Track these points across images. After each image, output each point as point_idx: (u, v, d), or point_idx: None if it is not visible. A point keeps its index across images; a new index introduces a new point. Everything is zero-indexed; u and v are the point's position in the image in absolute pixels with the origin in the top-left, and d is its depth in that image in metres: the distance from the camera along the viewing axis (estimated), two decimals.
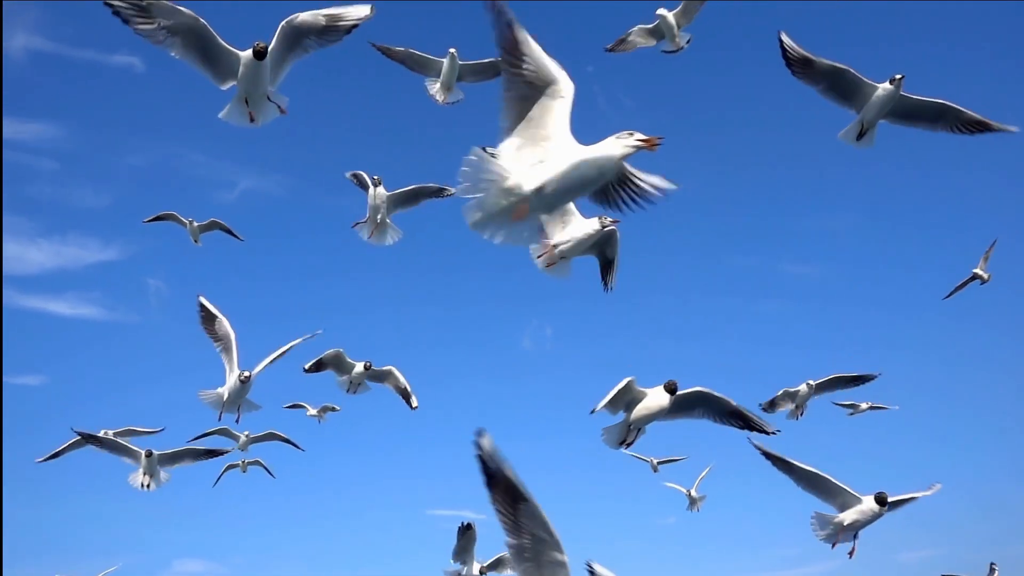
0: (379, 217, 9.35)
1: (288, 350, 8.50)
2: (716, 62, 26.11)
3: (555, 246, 7.05)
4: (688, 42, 9.55)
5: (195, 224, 13.29)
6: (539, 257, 7.02)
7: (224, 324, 8.33)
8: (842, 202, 24.34)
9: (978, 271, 11.98)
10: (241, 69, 6.13)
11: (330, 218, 24.62)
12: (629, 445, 7.31)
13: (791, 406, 10.94)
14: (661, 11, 9.43)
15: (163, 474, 9.66)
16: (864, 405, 13.65)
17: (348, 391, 11.04)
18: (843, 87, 7.33)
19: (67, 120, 23.47)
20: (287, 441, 13.48)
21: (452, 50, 9.20)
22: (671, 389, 6.88)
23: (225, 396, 8.18)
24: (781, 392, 10.82)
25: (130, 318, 22.59)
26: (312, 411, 14.57)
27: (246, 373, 8.10)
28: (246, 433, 12.70)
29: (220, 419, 8.45)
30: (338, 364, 10.75)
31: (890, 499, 7.68)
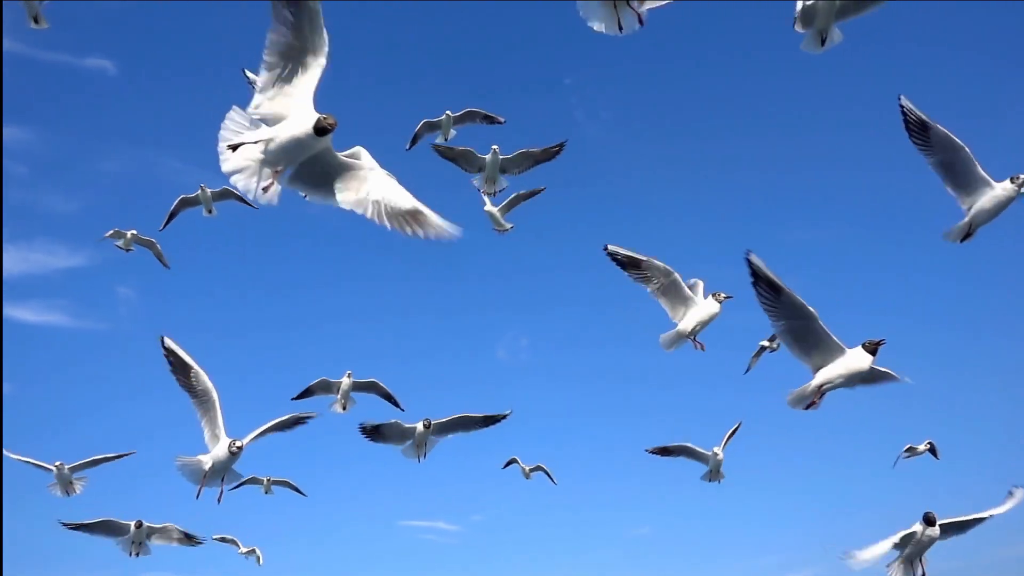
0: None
1: (281, 424, 7.60)
2: (695, 74, 25.58)
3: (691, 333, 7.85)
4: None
5: (208, 191, 11.96)
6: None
7: (202, 377, 6.96)
8: (825, 213, 23.70)
9: (765, 343, 12.73)
10: None
11: (307, 227, 24.21)
12: (814, 407, 6.65)
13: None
14: (488, 208, 10.86)
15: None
16: (922, 447, 13.01)
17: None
18: (956, 168, 6.92)
19: (37, 124, 21.91)
20: (388, 397, 11.99)
21: (494, 147, 10.12)
22: (872, 350, 6.32)
23: (209, 466, 6.94)
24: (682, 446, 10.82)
25: (98, 326, 21.47)
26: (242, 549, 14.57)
27: (238, 443, 6.85)
28: (348, 373, 11.60)
29: (199, 496, 7.15)
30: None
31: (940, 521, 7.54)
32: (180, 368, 7.00)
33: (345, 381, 11.41)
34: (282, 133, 4.36)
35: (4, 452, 10.43)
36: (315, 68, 4.32)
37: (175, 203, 12.21)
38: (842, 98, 23.74)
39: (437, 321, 22.95)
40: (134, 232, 12.90)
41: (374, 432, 10.10)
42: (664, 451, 10.80)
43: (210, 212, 12.11)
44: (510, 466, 14.59)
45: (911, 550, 7.52)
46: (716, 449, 11.01)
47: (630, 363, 22.61)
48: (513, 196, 11.11)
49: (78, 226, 21.42)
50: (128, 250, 12.97)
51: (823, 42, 7.50)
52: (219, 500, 7.22)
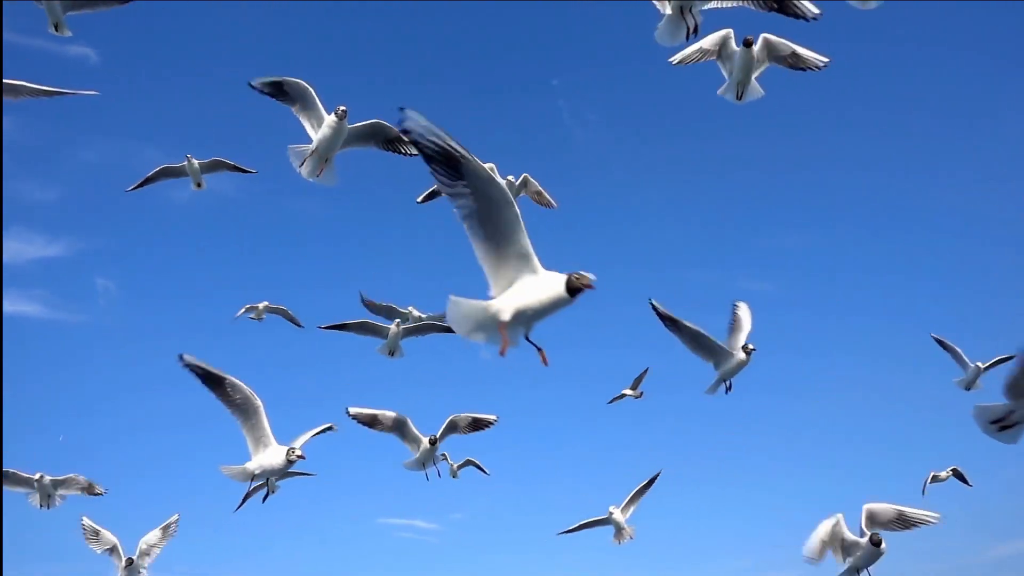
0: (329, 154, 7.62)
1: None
2: (682, 76, 25.06)
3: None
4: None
5: (195, 162, 10.87)
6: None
7: (239, 387, 6.62)
8: (799, 220, 24.28)
9: (626, 391, 13.81)
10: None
11: (289, 221, 23.38)
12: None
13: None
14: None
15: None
16: (944, 474, 13.24)
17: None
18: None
19: (15, 111, 20.69)
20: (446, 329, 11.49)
21: (510, 177, 10.48)
22: None
23: (259, 472, 6.34)
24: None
25: (76, 318, 20.82)
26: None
27: (297, 451, 6.23)
28: (396, 322, 11.29)
29: (246, 499, 6.65)
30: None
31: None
32: (212, 381, 6.60)
33: (393, 329, 11.11)
34: (530, 301, 3.93)
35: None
36: (515, 218, 3.86)
37: (155, 170, 11.15)
38: (832, 100, 24.17)
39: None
40: (266, 303, 13.26)
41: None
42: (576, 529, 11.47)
43: (199, 186, 11.15)
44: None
45: (857, 563, 7.94)
46: (612, 509, 11.29)
47: (611, 364, 22.76)
48: None
49: (55, 215, 20.77)
50: (260, 319, 13.33)
51: (740, 95, 8.03)
52: (264, 500, 6.73)
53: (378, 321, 11.20)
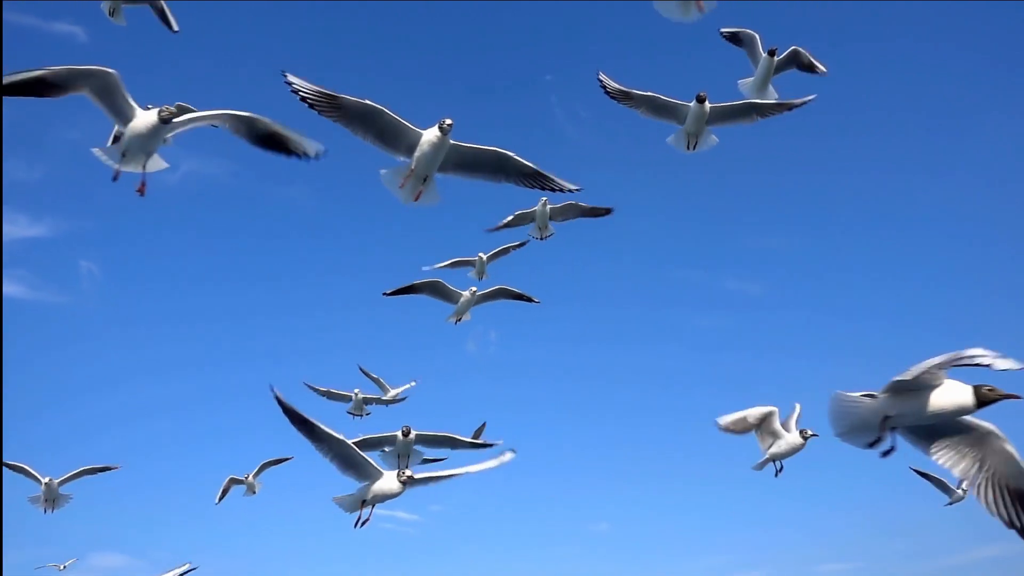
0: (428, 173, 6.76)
1: None
2: (672, 76, 26.70)
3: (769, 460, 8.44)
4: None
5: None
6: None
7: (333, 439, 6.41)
8: (785, 222, 25.48)
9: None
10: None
11: (276, 209, 23.17)
12: None
13: None
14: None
15: None
16: (960, 491, 13.34)
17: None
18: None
19: None
20: (519, 296, 11.83)
21: (544, 198, 10.86)
22: None
23: (370, 497, 6.22)
24: None
25: (57, 299, 21.15)
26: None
27: (408, 472, 6.23)
28: (472, 289, 11.47)
29: (357, 526, 6.78)
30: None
31: None
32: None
33: (466, 295, 11.32)
34: (933, 409, 4.04)
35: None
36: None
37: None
38: (822, 103, 25.15)
39: (410, 314, 21.71)
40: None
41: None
42: None
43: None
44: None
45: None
46: None
47: (598, 361, 23.70)
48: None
49: (40, 195, 20.81)
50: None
51: (694, 145, 8.61)
52: (362, 524, 6.76)
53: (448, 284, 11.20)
